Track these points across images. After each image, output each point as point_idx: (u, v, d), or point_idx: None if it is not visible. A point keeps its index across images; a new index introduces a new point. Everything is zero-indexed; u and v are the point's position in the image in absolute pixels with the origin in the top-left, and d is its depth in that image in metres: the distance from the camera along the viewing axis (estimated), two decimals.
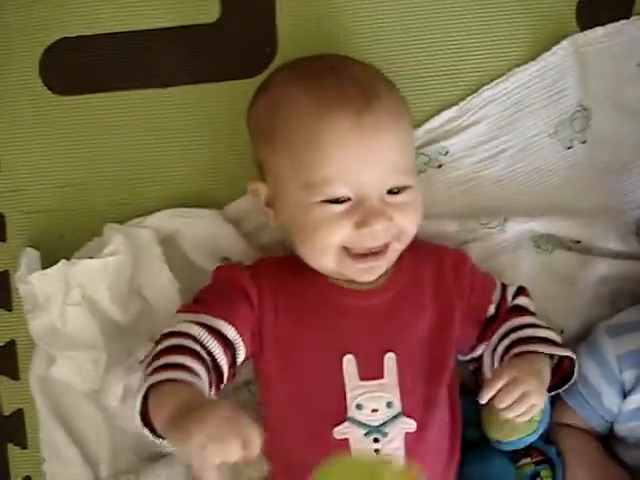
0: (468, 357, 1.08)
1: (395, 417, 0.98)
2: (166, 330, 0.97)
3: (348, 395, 0.98)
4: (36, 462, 1.15)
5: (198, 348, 0.94)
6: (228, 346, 0.97)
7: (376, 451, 0.97)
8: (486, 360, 1.05)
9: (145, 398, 0.89)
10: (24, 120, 1.15)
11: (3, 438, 1.18)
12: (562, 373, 1.03)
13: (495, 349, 1.03)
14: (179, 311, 1.01)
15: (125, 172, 1.16)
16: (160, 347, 0.94)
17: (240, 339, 0.99)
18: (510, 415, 0.94)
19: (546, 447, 1.08)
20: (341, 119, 0.96)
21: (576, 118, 1.16)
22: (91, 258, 1.09)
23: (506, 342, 1.02)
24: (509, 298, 1.07)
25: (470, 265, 1.08)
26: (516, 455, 1.08)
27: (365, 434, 0.97)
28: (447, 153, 1.15)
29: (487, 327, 1.05)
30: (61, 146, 1.16)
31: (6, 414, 1.18)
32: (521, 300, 1.07)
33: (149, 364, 0.93)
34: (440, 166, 1.15)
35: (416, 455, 0.98)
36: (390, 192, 0.99)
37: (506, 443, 1.05)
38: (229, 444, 0.79)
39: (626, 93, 1.15)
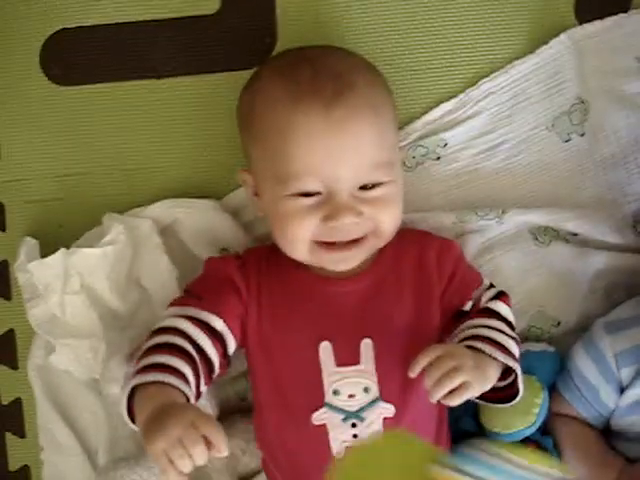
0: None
1: (373, 402, 0.98)
2: (156, 326, 0.98)
3: (325, 381, 0.99)
4: (34, 451, 1.16)
5: (185, 344, 0.95)
6: (217, 338, 0.98)
7: (354, 436, 0.98)
8: None
9: (131, 396, 0.90)
10: (24, 110, 1.16)
11: (1, 427, 1.18)
12: (512, 391, 0.99)
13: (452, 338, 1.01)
14: (170, 304, 1.02)
15: (125, 162, 1.16)
16: (148, 344, 0.95)
17: (228, 330, 1.00)
18: (437, 394, 0.90)
19: (543, 439, 1.08)
20: (310, 111, 0.95)
21: (574, 111, 1.16)
22: (91, 247, 1.09)
23: (461, 335, 0.99)
24: (483, 299, 1.04)
25: (456, 255, 1.07)
26: None
27: (343, 419, 0.98)
28: (446, 145, 1.15)
29: (457, 320, 1.03)
30: (61, 136, 1.16)
31: (4, 403, 1.18)
32: (496, 304, 1.04)
33: (138, 361, 0.94)
34: (438, 158, 1.15)
35: None
36: (364, 187, 0.98)
37: (503, 435, 1.06)
38: (190, 448, 0.82)
39: (624, 86, 1.15)
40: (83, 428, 1.13)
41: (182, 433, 0.82)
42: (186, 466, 0.82)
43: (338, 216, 0.96)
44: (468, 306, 1.04)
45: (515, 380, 0.97)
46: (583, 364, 1.07)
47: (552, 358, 1.12)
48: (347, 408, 0.99)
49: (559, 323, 1.14)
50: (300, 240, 0.98)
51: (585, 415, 1.08)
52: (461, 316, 1.03)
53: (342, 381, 0.99)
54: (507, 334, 0.99)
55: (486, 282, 1.06)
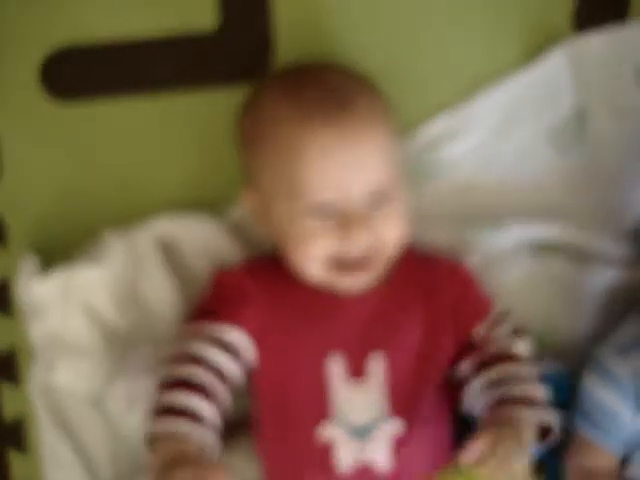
0: (450, 374, 1.05)
1: (380, 418, 0.98)
2: (176, 350, 0.99)
3: (332, 395, 0.99)
4: (36, 468, 1.15)
5: (205, 375, 0.96)
6: (237, 352, 0.99)
7: (360, 452, 0.98)
8: (467, 401, 1.02)
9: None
10: (24, 126, 1.15)
11: (3, 444, 1.18)
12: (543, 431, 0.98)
13: (477, 397, 1.00)
14: (186, 321, 1.03)
15: (124, 178, 1.16)
16: (167, 377, 0.97)
17: (249, 343, 1.00)
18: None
19: (549, 459, 1.07)
20: (320, 127, 0.96)
21: (572, 123, 1.16)
22: (91, 264, 1.09)
23: (488, 398, 0.98)
24: (499, 334, 1.03)
25: (465, 276, 1.07)
26: None
27: (349, 434, 0.98)
28: (443, 159, 1.15)
29: (469, 349, 1.03)
30: (61, 152, 1.15)
31: (7, 420, 1.18)
32: (515, 345, 1.03)
33: (158, 390, 0.96)
34: (436, 172, 1.15)
35: (401, 455, 0.98)
36: (374, 202, 0.99)
37: None
38: None
39: (622, 97, 1.16)
40: (85, 445, 1.13)
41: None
42: None
43: (353, 230, 0.97)
44: (478, 331, 1.03)
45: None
46: (601, 394, 1.06)
47: (566, 381, 1.11)
48: (354, 423, 0.98)
49: (560, 337, 1.14)
50: (316, 260, 0.99)
51: (611, 448, 1.06)
52: (474, 343, 1.02)
53: (350, 395, 0.99)
54: (534, 379, 0.99)
55: (498, 309, 1.06)
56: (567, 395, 1.09)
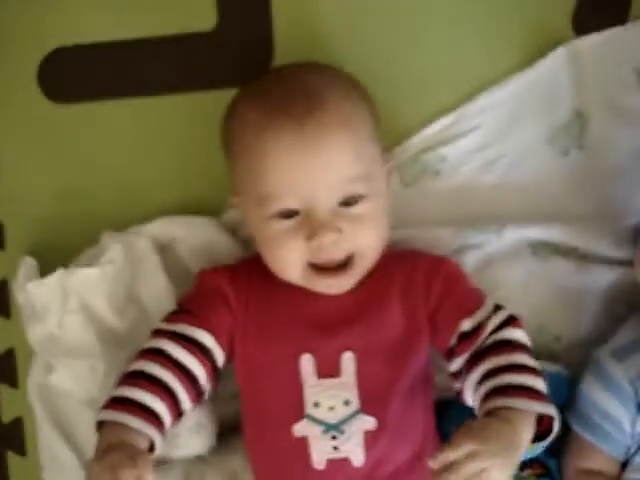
0: (448, 370, 1.03)
1: (353, 415, 0.99)
2: (143, 346, 1.01)
3: (305, 393, 0.99)
4: (35, 469, 1.15)
5: (165, 373, 0.98)
6: (204, 354, 1.01)
7: (335, 448, 0.98)
8: (466, 393, 1.00)
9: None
10: (22, 128, 1.15)
11: (2, 446, 1.18)
12: (541, 427, 0.94)
13: (475, 388, 0.98)
14: (162, 320, 1.04)
15: (123, 180, 1.16)
16: (128, 369, 1.00)
17: (217, 345, 1.02)
18: None
19: (547, 460, 1.08)
20: (282, 130, 0.96)
21: (573, 125, 1.15)
22: (89, 266, 1.09)
23: (485, 388, 0.94)
24: (491, 325, 0.99)
25: (448, 273, 1.05)
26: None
27: (323, 432, 0.98)
28: (444, 160, 1.15)
29: (460, 343, 1.00)
30: (59, 154, 1.16)
31: (5, 422, 1.18)
32: (510, 332, 0.99)
33: (117, 384, 0.99)
34: (437, 173, 1.15)
35: (375, 451, 0.99)
36: (345, 204, 0.98)
37: None
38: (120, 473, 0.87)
39: (623, 99, 1.15)
40: (84, 446, 1.12)
41: (117, 461, 0.88)
42: None
43: (318, 234, 0.96)
44: (467, 326, 1.00)
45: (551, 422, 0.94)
46: (600, 398, 1.05)
47: (565, 381, 1.10)
48: (327, 420, 0.99)
49: (559, 338, 1.13)
50: (293, 265, 0.99)
51: (612, 452, 1.06)
52: (465, 337, 1.00)
53: (322, 393, 0.99)
54: (532, 367, 0.96)
55: (489, 303, 1.02)
56: (565, 396, 1.09)
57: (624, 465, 1.08)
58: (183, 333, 1.00)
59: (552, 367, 1.10)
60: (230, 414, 1.11)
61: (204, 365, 1.01)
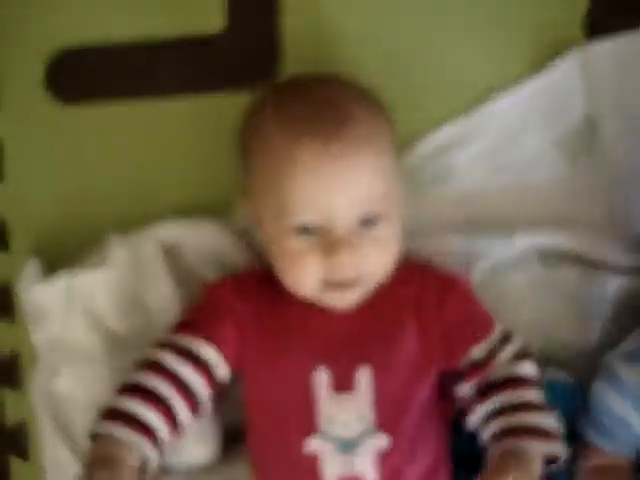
0: (454, 393, 1.03)
1: (366, 431, 0.98)
2: (144, 357, 1.00)
3: (319, 408, 0.98)
4: (38, 474, 1.14)
5: (162, 386, 0.97)
6: (204, 367, 1.00)
7: (346, 465, 0.97)
8: (471, 421, 1.00)
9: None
10: (28, 129, 1.15)
11: (5, 450, 1.17)
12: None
13: (485, 423, 0.98)
14: (166, 331, 1.03)
15: (129, 182, 1.15)
16: (125, 380, 0.99)
17: (220, 357, 1.01)
18: None
19: (557, 474, 1.04)
20: (307, 146, 0.95)
21: (583, 130, 1.15)
22: (94, 269, 1.09)
23: (495, 426, 0.96)
24: (503, 356, 1.00)
25: (460, 294, 1.04)
26: None
27: (335, 447, 0.97)
28: (451, 166, 1.14)
29: (470, 370, 1.00)
30: (65, 156, 1.15)
31: (9, 426, 1.17)
32: (521, 369, 1.00)
33: (117, 393, 0.99)
34: (444, 180, 1.14)
35: (387, 470, 0.98)
36: (364, 224, 0.97)
37: None
38: None
39: (633, 105, 1.14)
40: None
41: None
42: None
43: (335, 251, 0.95)
44: (477, 354, 1.00)
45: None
46: (612, 401, 1.04)
47: (572, 390, 1.10)
48: (340, 436, 0.98)
49: (567, 346, 1.12)
50: (308, 280, 0.98)
51: (622, 454, 1.06)
52: (474, 366, 1.00)
53: (336, 408, 0.98)
54: (542, 405, 0.98)
55: (499, 328, 1.03)
56: (573, 404, 1.08)
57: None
58: (184, 345, 1.00)
59: (559, 375, 1.10)
60: (234, 423, 1.10)
61: (205, 379, 1.00)
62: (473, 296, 1.06)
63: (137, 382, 0.98)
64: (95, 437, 0.96)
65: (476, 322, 1.03)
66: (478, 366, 1.00)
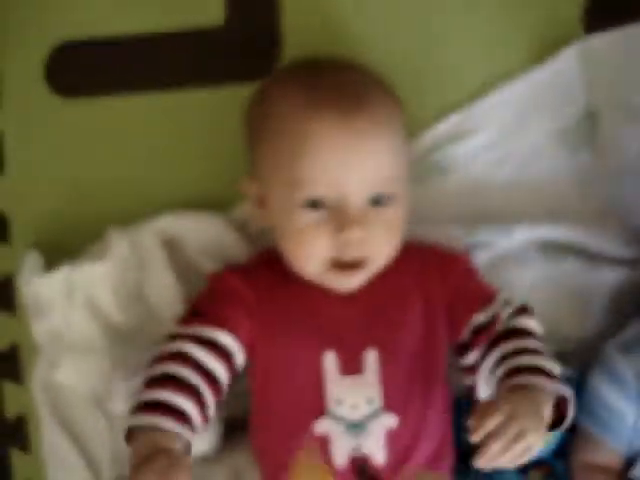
0: (461, 365, 1.04)
1: (375, 413, 0.98)
2: (161, 350, 0.99)
3: (328, 390, 0.98)
4: (39, 467, 1.15)
5: (190, 374, 0.96)
6: (225, 354, 1.00)
7: (356, 446, 0.97)
8: (481, 384, 1.00)
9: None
10: (29, 123, 1.15)
11: (6, 442, 1.17)
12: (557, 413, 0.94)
13: (490, 373, 0.97)
14: (176, 322, 1.03)
15: (129, 175, 1.15)
16: (151, 373, 0.97)
17: (237, 343, 1.01)
18: (505, 459, 0.86)
19: (554, 461, 1.07)
20: (328, 119, 0.96)
21: (583, 123, 1.15)
22: (95, 262, 1.09)
23: (501, 370, 0.94)
24: (503, 315, 1.00)
25: (462, 268, 1.06)
26: (525, 467, 1.06)
27: (345, 429, 0.98)
28: (453, 158, 1.14)
29: (475, 336, 1.01)
30: (65, 149, 1.15)
31: (9, 418, 1.17)
32: (523, 321, 1.00)
33: (142, 388, 0.97)
34: (446, 172, 1.15)
35: (396, 450, 0.98)
36: (373, 203, 0.98)
37: None
38: None
39: (634, 98, 1.14)
40: (88, 444, 1.12)
41: (165, 466, 0.86)
42: None
43: (347, 228, 0.96)
44: (481, 319, 1.01)
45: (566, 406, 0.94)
46: (606, 392, 1.05)
47: (573, 382, 1.08)
48: (350, 418, 0.98)
49: (568, 338, 1.12)
50: (316, 257, 0.98)
51: (614, 444, 1.06)
52: (480, 330, 1.00)
53: (345, 391, 0.99)
54: (543, 352, 0.97)
55: (502, 297, 1.03)
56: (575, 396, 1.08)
57: (631, 463, 1.07)
58: (203, 335, 0.99)
59: (560, 368, 1.09)
60: (235, 413, 1.10)
61: (226, 366, 1.00)
62: (474, 269, 1.07)
63: (166, 372, 0.97)
64: (132, 432, 0.93)
65: (478, 292, 1.04)
66: (483, 330, 1.00)
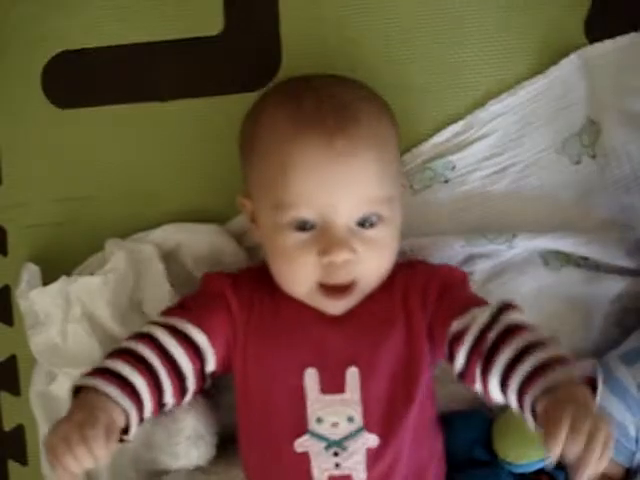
0: (455, 373, 0.98)
1: (356, 432, 0.97)
2: (136, 331, 0.99)
3: (309, 408, 0.98)
4: (36, 478, 1.13)
5: (151, 355, 0.95)
6: (195, 352, 0.98)
7: (336, 465, 0.97)
8: (493, 393, 0.94)
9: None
10: (25, 133, 1.15)
11: (3, 454, 1.17)
12: None
13: (505, 382, 0.90)
14: (161, 312, 1.02)
15: (127, 186, 1.15)
16: (116, 347, 0.97)
17: (210, 346, 0.99)
18: (597, 468, 0.81)
19: (556, 473, 1.06)
20: (312, 141, 0.95)
21: (585, 132, 1.14)
22: (92, 274, 1.08)
23: (520, 376, 0.88)
24: (482, 316, 0.93)
25: (443, 276, 1.02)
26: (525, 478, 1.06)
27: (325, 447, 0.97)
28: (454, 168, 1.14)
29: (454, 342, 0.95)
30: (63, 160, 1.15)
31: (7, 430, 1.17)
32: (509, 318, 0.92)
33: (103, 358, 0.96)
34: (446, 181, 1.14)
35: (377, 470, 0.97)
36: (361, 224, 0.96)
37: (516, 465, 1.04)
38: (72, 447, 0.85)
39: (635, 107, 1.13)
40: None
41: (67, 432, 0.86)
42: (70, 466, 0.86)
43: (332, 250, 0.94)
44: (455, 326, 0.95)
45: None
46: (607, 402, 1.04)
47: None
48: (330, 437, 0.98)
49: (570, 350, 1.11)
50: (302, 280, 0.97)
51: (619, 459, 1.04)
52: (456, 336, 0.94)
53: (326, 409, 0.98)
54: (545, 340, 0.90)
55: (487, 305, 0.97)
56: None
57: (632, 475, 1.06)
58: (177, 326, 0.98)
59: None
60: (229, 424, 1.09)
61: (193, 363, 0.98)
62: (457, 279, 1.04)
63: (129, 348, 0.96)
64: (79, 393, 0.92)
65: (457, 302, 0.99)
66: (459, 335, 0.94)
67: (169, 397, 0.97)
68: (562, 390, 0.84)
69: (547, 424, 0.82)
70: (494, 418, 1.09)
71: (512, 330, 0.91)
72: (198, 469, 1.07)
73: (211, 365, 1.00)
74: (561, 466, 1.06)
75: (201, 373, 1.00)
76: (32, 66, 1.13)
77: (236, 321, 1.01)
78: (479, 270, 1.11)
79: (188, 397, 1.00)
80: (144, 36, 1.13)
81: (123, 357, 0.95)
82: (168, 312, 1.02)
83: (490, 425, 1.08)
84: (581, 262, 1.14)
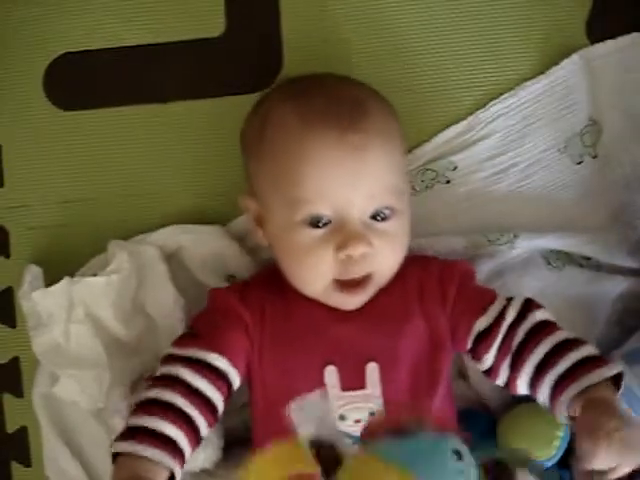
0: (481, 369, 1.02)
1: None
2: (157, 373, 0.97)
3: (331, 407, 0.97)
4: None
5: (181, 401, 0.94)
6: (220, 377, 0.98)
7: None
8: (521, 387, 0.98)
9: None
10: (27, 135, 1.15)
11: (7, 456, 1.17)
12: None
13: (537, 378, 0.95)
14: (172, 343, 1.00)
15: (130, 188, 1.15)
16: (143, 396, 0.95)
17: (232, 367, 0.98)
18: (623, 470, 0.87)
19: (560, 471, 1.05)
20: (325, 136, 0.95)
21: (586, 132, 1.14)
22: (95, 275, 1.08)
23: (548, 383, 0.93)
24: (510, 314, 0.98)
25: (459, 274, 1.04)
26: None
27: (350, 445, 0.97)
28: (455, 168, 1.14)
29: (482, 341, 0.99)
30: (65, 161, 1.15)
31: (10, 432, 1.17)
32: (535, 316, 0.97)
33: (131, 413, 0.95)
34: (448, 182, 1.14)
35: None
36: (375, 218, 0.97)
37: None
38: None
39: (637, 106, 1.13)
40: (89, 458, 1.12)
41: None
42: None
43: (349, 244, 0.95)
44: (482, 324, 0.99)
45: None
46: None
47: None
48: (354, 433, 0.97)
49: None
50: (319, 277, 0.97)
51: None
52: (484, 335, 0.98)
53: (348, 406, 0.98)
54: (575, 339, 0.95)
55: (502, 297, 1.01)
56: None
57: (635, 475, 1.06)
58: (197, 358, 0.97)
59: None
60: (236, 427, 1.10)
61: (219, 389, 0.97)
62: (473, 274, 1.06)
63: (155, 398, 0.94)
64: (117, 457, 0.91)
65: (477, 297, 1.02)
66: (487, 334, 0.98)
67: (204, 431, 0.96)
68: (598, 398, 0.89)
69: (586, 439, 0.86)
70: (497, 418, 1.09)
71: (542, 327, 0.96)
72: (204, 472, 1.07)
73: (237, 383, 1.00)
74: (566, 465, 1.07)
75: (228, 394, 0.99)
76: (34, 68, 1.13)
77: (251, 333, 1.01)
78: (481, 270, 1.11)
79: (220, 418, 1.00)
80: (146, 38, 1.13)
81: (153, 410, 0.93)
82: (182, 342, 1.00)
83: (494, 424, 1.08)
84: (583, 262, 1.14)
